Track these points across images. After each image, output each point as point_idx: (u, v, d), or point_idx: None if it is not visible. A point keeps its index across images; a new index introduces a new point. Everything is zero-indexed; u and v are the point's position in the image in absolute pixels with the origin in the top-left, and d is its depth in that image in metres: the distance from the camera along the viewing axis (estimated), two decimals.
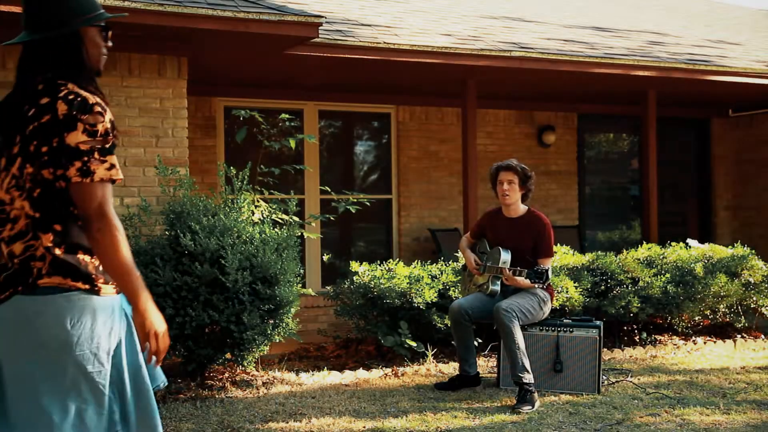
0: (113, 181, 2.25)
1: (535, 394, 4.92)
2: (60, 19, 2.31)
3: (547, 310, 5.30)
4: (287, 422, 4.53)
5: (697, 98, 9.84)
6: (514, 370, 4.96)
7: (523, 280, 5.09)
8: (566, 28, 9.41)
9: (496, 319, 5.03)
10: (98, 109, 2.21)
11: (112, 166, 2.23)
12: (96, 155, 2.19)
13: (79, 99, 2.20)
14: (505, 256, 5.21)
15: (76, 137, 2.17)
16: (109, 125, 2.23)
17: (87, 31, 2.35)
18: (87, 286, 2.21)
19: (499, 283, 5.27)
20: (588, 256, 6.94)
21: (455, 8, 9.64)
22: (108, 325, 2.24)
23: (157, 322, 2.29)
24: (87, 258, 2.25)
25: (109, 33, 2.41)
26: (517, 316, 5.03)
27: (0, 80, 5.43)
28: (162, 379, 2.46)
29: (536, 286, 5.03)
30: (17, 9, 4.85)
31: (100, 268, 2.27)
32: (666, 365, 6.07)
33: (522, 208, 5.34)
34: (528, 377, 4.94)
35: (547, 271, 4.89)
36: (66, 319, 2.16)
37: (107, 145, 2.22)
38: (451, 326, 5.46)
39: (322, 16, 6.01)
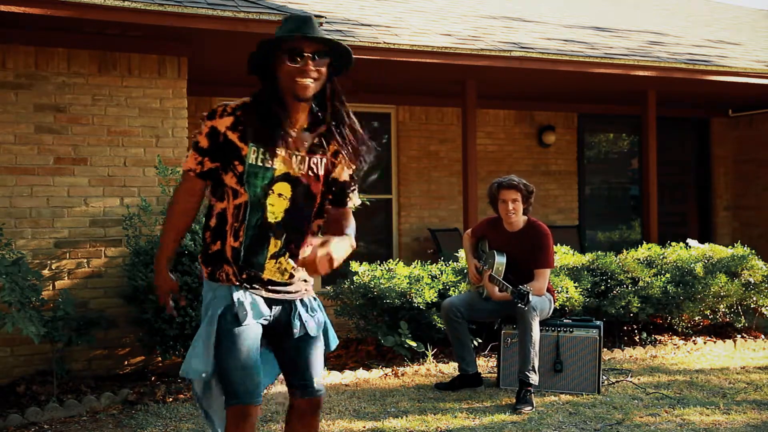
0: (189, 170, 2.75)
1: (533, 395, 4.93)
2: None
3: (551, 311, 5.33)
4: None
5: (697, 98, 9.83)
6: (524, 367, 4.95)
7: (502, 294, 5.12)
8: (566, 28, 9.41)
9: (519, 312, 5.01)
10: (204, 114, 2.72)
11: (187, 158, 2.75)
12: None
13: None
14: (500, 259, 5.22)
15: None
16: (203, 127, 2.70)
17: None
18: None
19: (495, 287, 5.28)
20: (588, 256, 6.94)
21: (455, 8, 9.64)
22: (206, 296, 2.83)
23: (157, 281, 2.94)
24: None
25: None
26: (537, 313, 5.06)
27: (0, 80, 5.44)
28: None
29: (518, 304, 4.97)
30: (17, 9, 4.85)
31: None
32: (666, 365, 6.08)
33: (522, 220, 5.33)
34: (534, 378, 4.94)
35: (528, 293, 4.87)
36: None
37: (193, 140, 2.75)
38: (444, 324, 5.48)
39: (322, 16, 6.01)
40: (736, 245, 7.47)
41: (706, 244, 7.66)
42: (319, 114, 2.74)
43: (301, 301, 2.83)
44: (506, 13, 10.00)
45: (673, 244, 7.45)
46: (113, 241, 5.73)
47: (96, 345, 5.52)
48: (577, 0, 12.66)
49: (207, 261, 2.78)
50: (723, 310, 7.22)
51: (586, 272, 6.63)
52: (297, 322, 2.79)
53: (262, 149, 2.66)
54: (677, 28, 10.93)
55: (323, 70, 2.65)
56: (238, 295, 2.70)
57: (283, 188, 2.71)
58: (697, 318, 7.21)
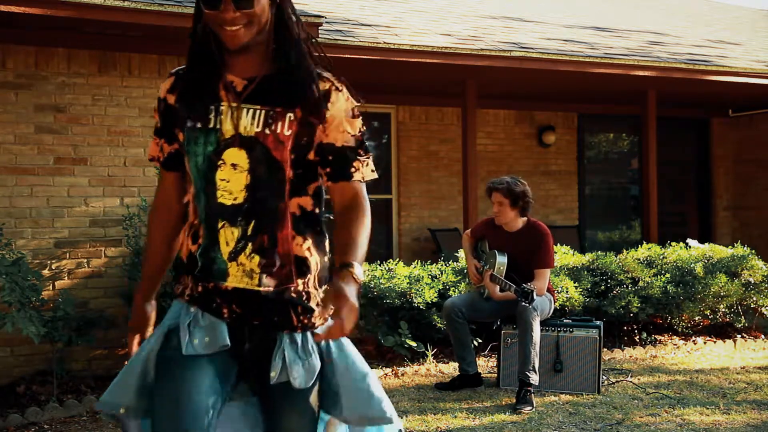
0: (152, 159, 2.18)
1: (533, 395, 4.93)
2: None
3: (551, 311, 5.33)
4: None
5: (697, 98, 9.83)
6: (524, 367, 4.94)
7: (503, 294, 5.12)
8: (566, 28, 9.41)
9: (520, 313, 5.03)
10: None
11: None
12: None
13: None
14: (501, 259, 5.22)
15: None
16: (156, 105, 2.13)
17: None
18: None
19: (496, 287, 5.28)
20: (588, 256, 6.94)
21: (455, 8, 9.64)
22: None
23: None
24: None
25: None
26: (538, 313, 5.06)
27: (0, 80, 5.44)
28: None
29: (522, 302, 4.99)
30: (17, 9, 4.85)
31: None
32: (666, 365, 6.08)
33: (521, 221, 5.32)
34: (534, 378, 4.94)
35: (532, 291, 4.88)
36: None
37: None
38: (445, 324, 5.48)
39: (322, 16, 6.00)
40: (736, 245, 7.47)
41: (706, 244, 7.66)
42: (280, 58, 2.02)
43: (291, 335, 2.01)
44: (506, 13, 10.00)
45: (673, 244, 7.45)
46: (113, 241, 5.73)
47: (96, 345, 5.52)
48: (577, 0, 12.66)
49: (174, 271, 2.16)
50: (723, 310, 7.22)
51: (586, 272, 6.63)
52: (278, 363, 1.98)
53: (194, 106, 2.00)
54: (677, 28, 10.93)
55: (254, 10, 1.92)
56: (189, 316, 2.02)
57: (237, 156, 1.97)
58: (697, 318, 7.21)
